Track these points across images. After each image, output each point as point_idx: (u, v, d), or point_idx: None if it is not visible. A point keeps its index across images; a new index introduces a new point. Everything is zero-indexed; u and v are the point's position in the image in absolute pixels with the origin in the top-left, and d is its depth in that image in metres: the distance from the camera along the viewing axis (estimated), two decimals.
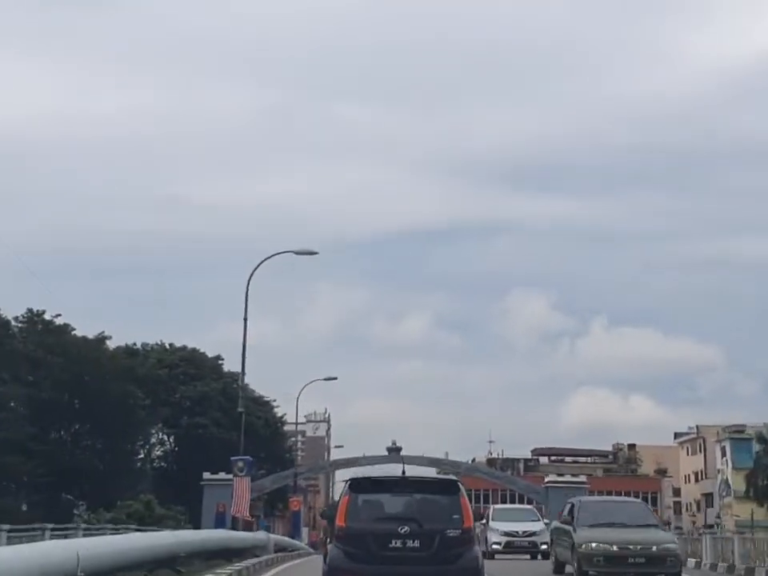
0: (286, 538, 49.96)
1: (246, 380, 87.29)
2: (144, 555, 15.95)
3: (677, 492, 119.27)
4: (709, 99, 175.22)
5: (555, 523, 26.49)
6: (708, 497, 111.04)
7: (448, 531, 13.48)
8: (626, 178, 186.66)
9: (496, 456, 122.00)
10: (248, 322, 32.76)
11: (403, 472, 14.29)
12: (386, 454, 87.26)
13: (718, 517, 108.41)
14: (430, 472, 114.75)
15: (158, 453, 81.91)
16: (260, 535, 30.63)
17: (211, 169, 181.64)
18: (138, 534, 20.81)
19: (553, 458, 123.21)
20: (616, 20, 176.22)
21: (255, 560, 24.99)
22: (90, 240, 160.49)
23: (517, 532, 35.49)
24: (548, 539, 29.40)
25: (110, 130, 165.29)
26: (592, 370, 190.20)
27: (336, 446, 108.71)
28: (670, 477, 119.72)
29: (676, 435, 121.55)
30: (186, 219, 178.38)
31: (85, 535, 21.82)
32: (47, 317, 67.73)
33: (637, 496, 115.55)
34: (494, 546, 34.97)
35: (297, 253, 32.65)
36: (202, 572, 19.46)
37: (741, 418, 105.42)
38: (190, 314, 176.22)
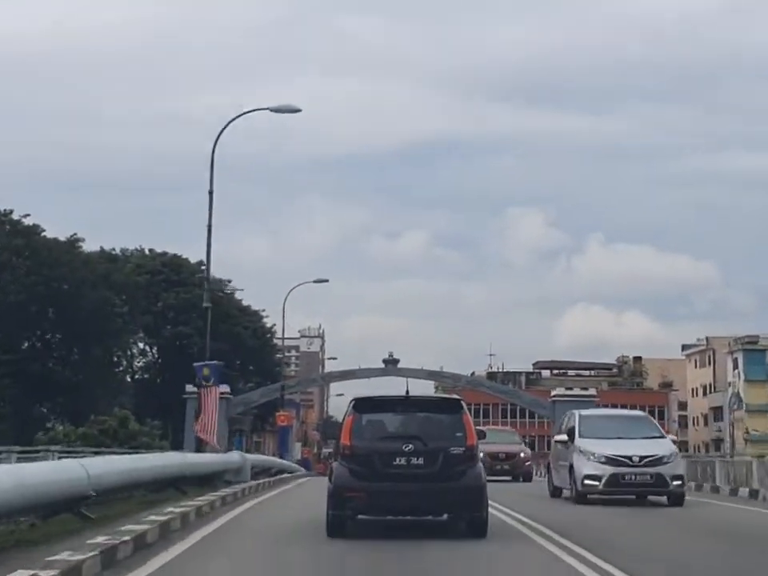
0: (270, 458, 44.67)
1: (239, 296, 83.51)
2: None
3: (682, 406, 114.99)
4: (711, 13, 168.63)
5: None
6: (717, 410, 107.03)
7: (451, 449, 13.59)
8: (627, 94, 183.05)
9: (496, 370, 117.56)
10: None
11: (407, 392, 14.24)
12: (383, 366, 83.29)
13: (719, 430, 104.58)
14: (430, 387, 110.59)
15: (140, 364, 77.46)
16: (232, 457, 25.55)
17: (211, 82, 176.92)
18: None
19: (555, 371, 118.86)
20: None
21: (220, 493, 19.90)
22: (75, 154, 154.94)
23: (630, 458, 21.51)
24: (683, 471, 22.62)
25: (108, 43, 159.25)
26: (589, 287, 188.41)
27: (329, 358, 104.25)
28: (676, 390, 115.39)
29: (684, 347, 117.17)
30: (181, 133, 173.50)
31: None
32: (15, 216, 62.80)
33: (643, 410, 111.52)
34: (588, 483, 21.53)
35: (274, 110, 27.11)
36: (125, 515, 14.44)
37: (741, 332, 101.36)
38: (178, 226, 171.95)
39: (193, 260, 76.88)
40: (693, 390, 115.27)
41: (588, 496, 21.40)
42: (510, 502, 20.08)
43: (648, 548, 13.22)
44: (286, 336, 74.59)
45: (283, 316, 58.68)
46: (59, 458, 18.70)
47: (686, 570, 11.25)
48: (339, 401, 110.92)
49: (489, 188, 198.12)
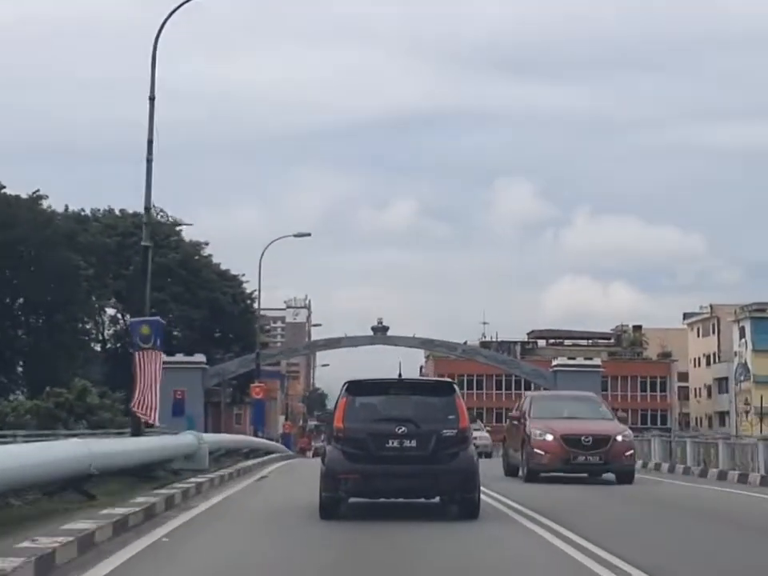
0: (239, 437, 38.99)
1: (216, 260, 78.29)
2: None
3: (683, 377, 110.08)
4: None
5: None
6: (721, 381, 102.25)
7: (444, 431, 13.65)
8: (615, 66, 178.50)
9: (490, 339, 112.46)
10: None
11: (399, 375, 14.43)
12: (371, 334, 78.64)
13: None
14: (421, 356, 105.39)
15: (111, 332, 72.12)
16: (185, 439, 20.27)
17: (194, 53, 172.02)
18: None
19: (551, 340, 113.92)
20: None
21: (150, 497, 14.30)
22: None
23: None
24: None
25: (85, 10, 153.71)
26: (577, 258, 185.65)
27: (314, 325, 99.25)
28: (676, 360, 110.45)
29: (685, 316, 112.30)
30: (167, 105, 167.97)
31: None
32: None
33: (644, 381, 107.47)
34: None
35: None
36: None
37: (728, 302, 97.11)
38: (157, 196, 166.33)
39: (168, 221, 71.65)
40: (695, 360, 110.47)
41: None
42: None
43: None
44: (271, 307, 69.60)
45: (259, 271, 53.57)
46: None
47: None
48: (325, 372, 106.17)
49: (476, 159, 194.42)
